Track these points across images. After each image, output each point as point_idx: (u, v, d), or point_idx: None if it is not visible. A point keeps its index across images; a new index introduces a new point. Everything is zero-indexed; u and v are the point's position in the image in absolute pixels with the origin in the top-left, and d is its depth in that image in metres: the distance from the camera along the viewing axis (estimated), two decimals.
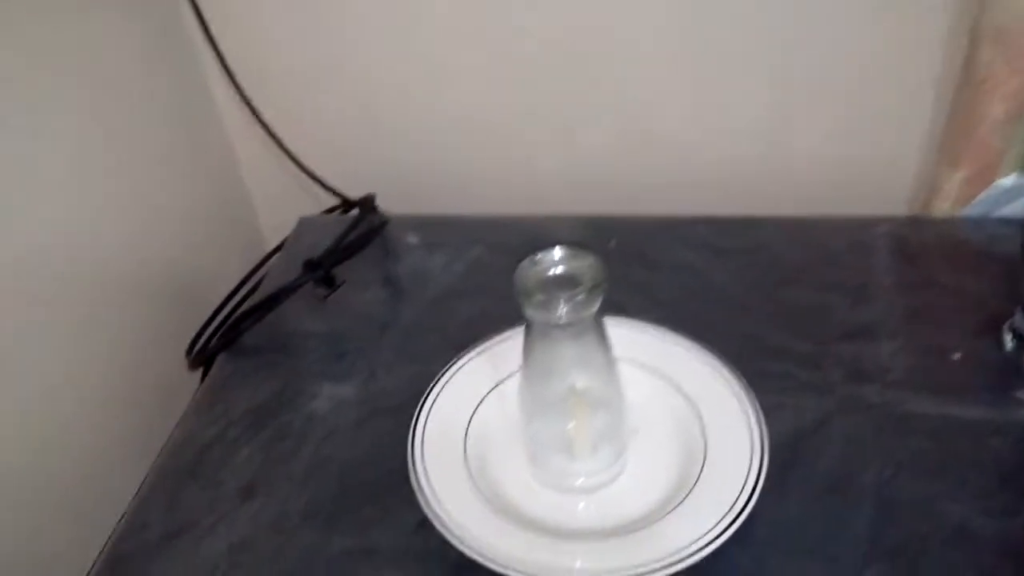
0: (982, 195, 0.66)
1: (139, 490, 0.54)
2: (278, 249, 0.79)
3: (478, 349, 0.57)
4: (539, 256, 0.45)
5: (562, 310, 0.43)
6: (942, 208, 0.68)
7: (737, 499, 0.45)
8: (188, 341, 0.70)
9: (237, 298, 0.76)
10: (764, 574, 0.45)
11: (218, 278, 0.78)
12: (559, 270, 0.44)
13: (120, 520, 0.53)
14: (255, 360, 0.63)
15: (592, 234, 0.70)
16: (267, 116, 0.77)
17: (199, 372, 0.68)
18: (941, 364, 0.56)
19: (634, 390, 0.50)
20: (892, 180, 0.73)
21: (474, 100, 0.77)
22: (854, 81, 0.69)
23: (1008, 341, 0.56)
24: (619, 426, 0.49)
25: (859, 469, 0.50)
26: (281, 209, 0.82)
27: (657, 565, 0.43)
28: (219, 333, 0.64)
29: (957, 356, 0.56)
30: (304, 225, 0.77)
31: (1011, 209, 0.67)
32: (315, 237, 0.74)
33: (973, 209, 0.67)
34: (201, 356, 0.65)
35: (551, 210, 0.73)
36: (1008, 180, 0.65)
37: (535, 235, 0.71)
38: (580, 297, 0.43)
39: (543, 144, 0.78)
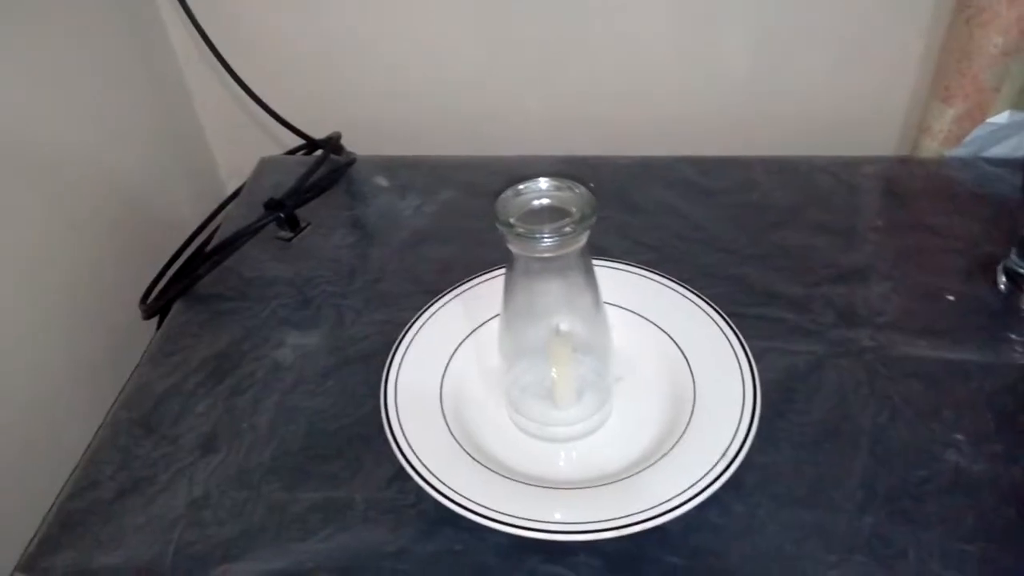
0: (973, 134, 0.64)
1: (90, 444, 0.51)
2: (237, 193, 0.74)
3: (452, 294, 0.53)
4: (523, 186, 0.41)
5: (546, 242, 0.40)
6: (931, 147, 0.66)
7: (728, 448, 0.43)
8: (143, 288, 0.66)
9: (195, 244, 0.72)
10: (756, 523, 0.43)
11: (173, 223, 0.73)
12: (544, 201, 0.41)
13: (70, 476, 0.49)
14: (214, 307, 0.59)
15: (570, 174, 0.67)
16: (225, 52, 0.72)
17: (154, 321, 0.64)
18: (934, 306, 0.54)
19: (620, 335, 0.48)
20: (882, 118, 0.70)
21: (446, 35, 0.72)
22: (843, 15, 0.66)
23: (1002, 282, 0.54)
24: (604, 372, 0.46)
25: (853, 414, 0.48)
26: (240, 151, 0.78)
27: (642, 516, 0.40)
28: (175, 279, 0.60)
29: (950, 298, 0.54)
30: (265, 165, 0.73)
31: (1001, 149, 0.65)
32: (277, 178, 0.70)
33: (963, 149, 0.65)
34: (156, 304, 0.61)
35: (527, 151, 0.70)
36: (1001, 118, 0.62)
37: (510, 176, 0.67)
38: (567, 228, 0.39)
39: (520, 82, 0.74)
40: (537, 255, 0.41)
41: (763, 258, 0.58)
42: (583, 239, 0.40)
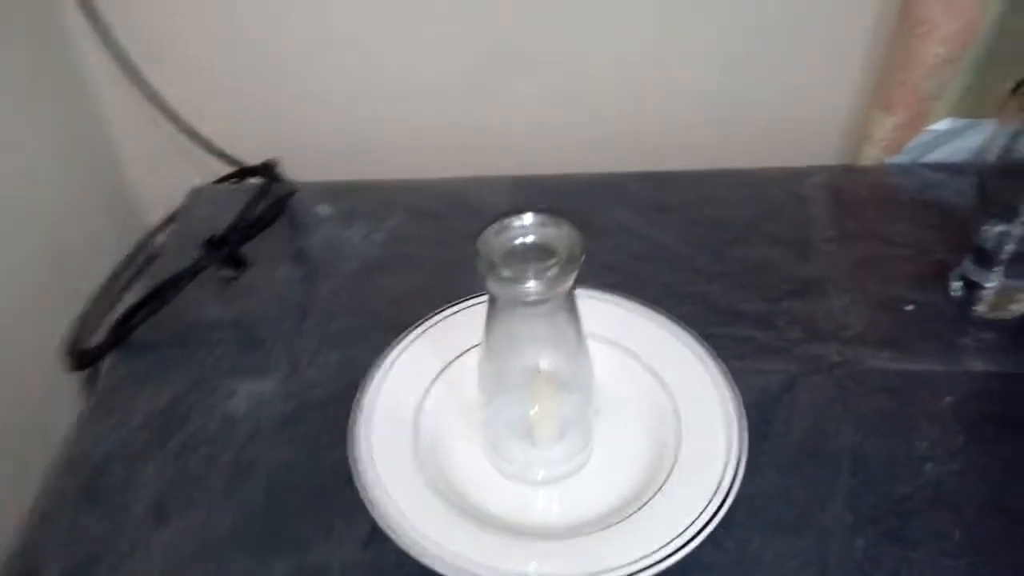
0: (913, 141, 0.65)
1: (27, 521, 0.46)
2: (163, 226, 0.70)
3: (417, 331, 0.51)
4: (506, 222, 0.39)
5: (531, 285, 0.38)
6: (872, 155, 0.67)
7: (719, 483, 0.42)
8: (63, 337, 0.60)
9: (120, 284, 0.67)
10: (751, 556, 0.42)
11: (92, 262, 0.68)
12: (529, 239, 0.39)
13: (4, 561, 0.45)
14: (153, 357, 0.55)
15: (522, 196, 0.65)
16: (143, 70, 0.68)
17: (81, 374, 0.59)
18: (894, 317, 0.54)
19: (598, 367, 0.46)
20: (824, 128, 0.71)
21: (387, 51, 0.69)
22: (787, 28, 0.66)
23: (956, 288, 0.55)
24: (587, 411, 0.45)
25: (830, 433, 0.48)
26: (162, 181, 0.73)
27: (638, 566, 0.39)
28: (109, 327, 0.55)
29: (909, 308, 0.55)
30: (196, 197, 0.68)
31: (939, 154, 0.66)
32: (209, 211, 0.66)
33: (904, 155, 0.66)
34: (85, 356, 0.56)
35: (475, 171, 0.68)
36: (941, 125, 0.64)
37: (461, 199, 0.65)
38: (552, 272, 0.38)
39: (467, 98, 0.71)
40: (520, 298, 0.39)
41: (724, 275, 0.58)
42: (569, 282, 0.38)
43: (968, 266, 0.55)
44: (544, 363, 0.43)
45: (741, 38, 0.67)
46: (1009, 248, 0.52)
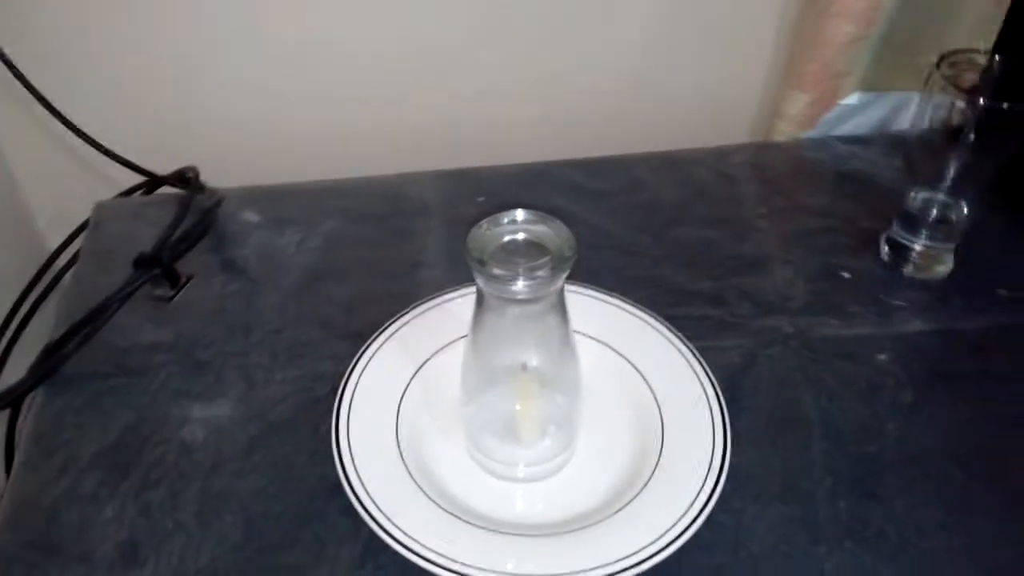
0: (826, 116, 0.68)
1: None
2: (65, 245, 0.64)
3: (384, 335, 0.49)
4: (497, 218, 0.38)
5: (520, 285, 0.37)
6: (786, 131, 0.70)
7: (710, 464, 0.43)
8: None
9: (24, 308, 0.61)
10: (745, 528, 0.43)
11: None
12: (520, 236, 0.38)
13: None
14: (88, 389, 0.50)
15: (456, 189, 0.64)
16: (30, 75, 0.62)
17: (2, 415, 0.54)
18: (834, 285, 0.57)
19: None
20: (737, 106, 0.73)
21: (299, 41, 0.66)
22: (700, 7, 0.68)
23: (885, 253, 0.58)
24: (573, 410, 0.44)
25: (796, 402, 0.50)
26: (59, 196, 0.67)
27: (643, 555, 0.39)
28: (34, 361, 0.51)
29: (846, 275, 0.58)
30: (102, 212, 0.63)
31: (848, 127, 0.70)
32: (122, 226, 0.61)
33: (816, 130, 0.69)
34: (8, 394, 0.51)
35: (403, 167, 0.66)
36: (852, 99, 0.67)
37: (395, 197, 0.64)
38: (543, 271, 0.37)
39: (390, 90, 0.69)
40: (509, 296, 0.38)
41: (669, 257, 0.59)
42: (561, 281, 0.38)
43: (896, 231, 0.58)
44: (531, 361, 0.42)
45: (658, 24, 0.69)
46: (934, 213, 0.55)
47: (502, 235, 0.38)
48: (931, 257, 0.57)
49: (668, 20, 0.68)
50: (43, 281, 0.63)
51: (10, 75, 0.58)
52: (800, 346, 0.53)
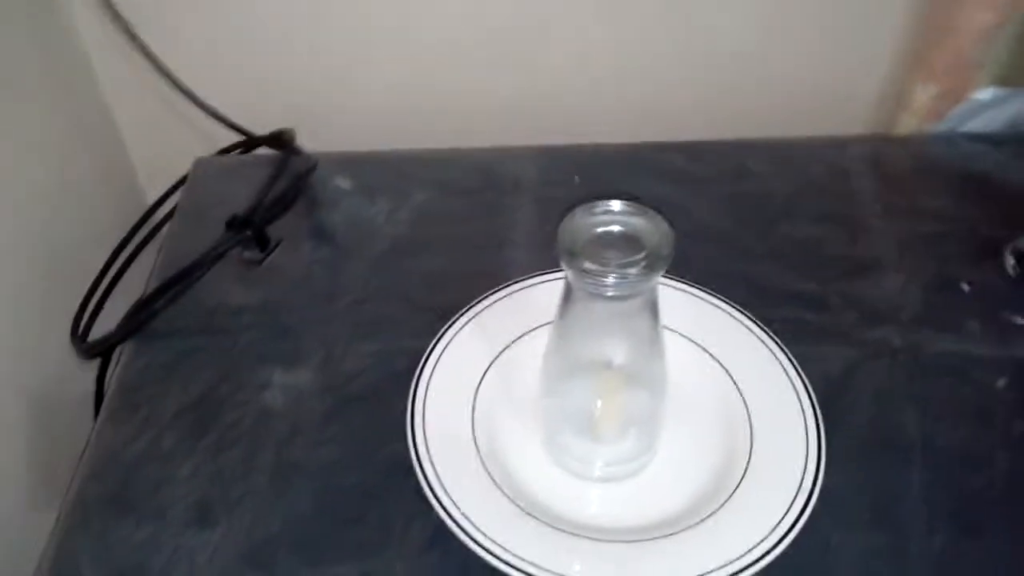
0: (955, 110, 0.63)
1: (53, 533, 0.43)
2: (164, 199, 0.65)
3: (463, 319, 0.48)
4: (591, 207, 0.36)
5: (612, 280, 0.35)
6: (910, 123, 0.65)
7: (800, 484, 0.40)
8: (69, 319, 0.57)
9: (121, 259, 0.63)
10: (831, 556, 0.41)
11: (89, 239, 0.64)
12: (614, 228, 0.36)
13: None
14: (176, 346, 0.51)
15: (552, 167, 0.62)
16: (138, 30, 0.62)
17: (93, 364, 0.56)
18: (952, 297, 0.53)
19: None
20: (859, 94, 0.68)
21: (405, 11, 0.65)
22: None
23: (1010, 266, 0.54)
24: (657, 410, 0.42)
25: (898, 422, 0.46)
26: (160, 152, 0.68)
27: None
28: (125, 314, 0.52)
29: (965, 287, 0.53)
30: (200, 169, 0.64)
31: (978, 123, 0.64)
32: (216, 185, 0.62)
33: (943, 124, 0.64)
34: (97, 345, 0.52)
35: (499, 141, 0.64)
36: (985, 94, 0.62)
37: (488, 171, 0.62)
38: (637, 268, 0.35)
39: (490, 65, 0.67)
40: (599, 293, 0.36)
41: (772, 254, 0.56)
42: (655, 280, 0.36)
43: (1023, 243, 0.53)
44: (617, 357, 0.41)
45: (774, 2, 0.65)
46: None
47: (596, 226, 0.36)
48: None
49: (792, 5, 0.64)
50: (140, 233, 0.64)
51: (117, 29, 0.59)
52: (908, 361, 0.49)
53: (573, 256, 0.35)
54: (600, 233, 0.36)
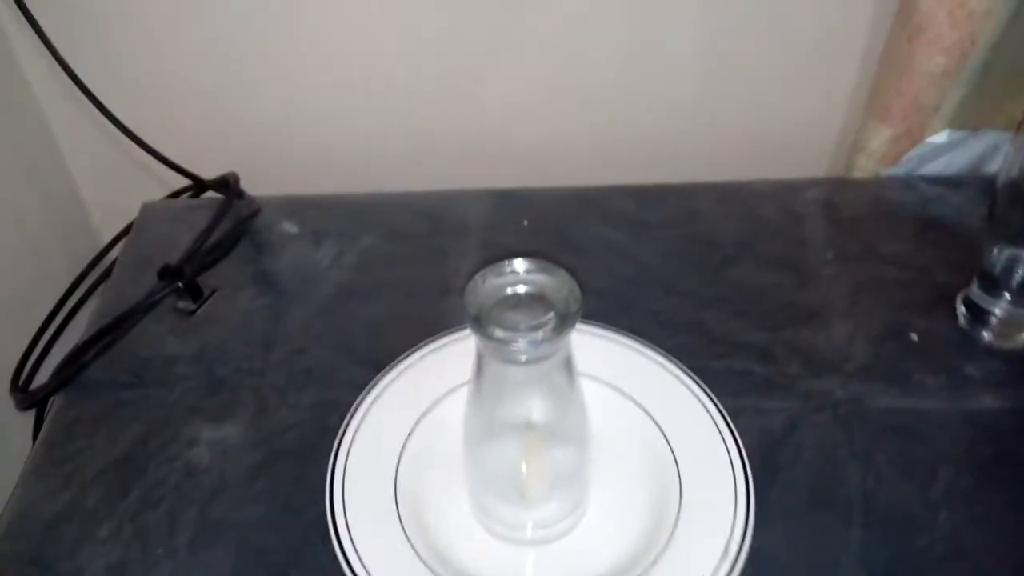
0: (911, 153, 0.62)
1: None
2: (114, 243, 0.65)
3: (397, 369, 0.47)
4: (497, 268, 0.35)
5: (522, 344, 0.34)
6: (867, 166, 0.64)
7: (727, 545, 0.39)
8: (10, 370, 0.56)
9: (71, 303, 0.62)
10: None
11: (41, 283, 0.63)
12: (521, 288, 0.35)
13: None
14: (107, 397, 0.50)
15: (501, 211, 0.61)
16: (87, 79, 0.62)
17: (29, 415, 0.55)
18: (899, 347, 0.52)
19: (591, 412, 0.43)
20: (815, 138, 0.68)
21: (351, 53, 0.64)
22: (780, 31, 0.63)
23: (962, 315, 0.53)
24: (583, 465, 0.41)
25: (838, 479, 0.45)
26: (115, 195, 0.67)
27: None
28: (57, 366, 0.51)
29: (914, 337, 0.52)
30: (148, 212, 0.63)
31: (935, 167, 0.64)
32: (164, 229, 0.61)
33: (900, 167, 0.63)
34: (32, 396, 0.51)
35: (448, 185, 0.64)
36: (940, 137, 0.61)
37: (438, 215, 0.61)
38: (544, 331, 0.34)
39: (438, 105, 0.67)
40: (512, 359, 0.35)
41: (719, 301, 0.55)
42: (567, 338, 0.35)
43: (975, 291, 0.52)
44: (535, 415, 0.39)
45: (726, 40, 0.64)
46: (1019, 274, 0.49)
47: (502, 287, 0.35)
48: (1012, 324, 0.51)
49: (737, 37, 0.63)
50: (91, 277, 0.64)
51: (67, 78, 0.59)
52: (850, 415, 0.48)
53: (481, 324, 0.34)
54: (507, 295, 0.35)
